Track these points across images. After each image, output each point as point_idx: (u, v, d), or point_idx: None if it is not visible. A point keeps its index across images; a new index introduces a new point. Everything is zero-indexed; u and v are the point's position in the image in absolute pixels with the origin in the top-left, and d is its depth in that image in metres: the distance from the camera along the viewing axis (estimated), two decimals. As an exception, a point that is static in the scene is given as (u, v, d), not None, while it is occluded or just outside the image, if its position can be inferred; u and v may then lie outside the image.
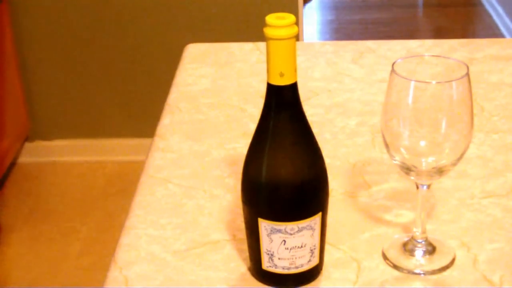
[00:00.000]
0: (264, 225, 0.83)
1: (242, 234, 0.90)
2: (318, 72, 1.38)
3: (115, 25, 2.68)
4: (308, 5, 4.44)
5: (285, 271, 0.85)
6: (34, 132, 2.86)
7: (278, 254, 0.84)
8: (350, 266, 0.89)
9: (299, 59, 1.37)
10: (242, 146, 1.14)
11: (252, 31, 2.59)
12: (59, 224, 2.53)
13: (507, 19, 3.96)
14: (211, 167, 1.10)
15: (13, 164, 2.83)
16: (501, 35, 3.94)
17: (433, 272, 0.88)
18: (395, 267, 0.89)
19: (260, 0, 2.62)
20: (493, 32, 4.01)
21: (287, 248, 0.83)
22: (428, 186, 0.88)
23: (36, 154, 2.87)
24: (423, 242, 0.90)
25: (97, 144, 2.86)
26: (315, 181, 0.83)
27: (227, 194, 1.03)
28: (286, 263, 0.84)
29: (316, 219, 0.83)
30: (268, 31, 0.78)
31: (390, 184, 1.04)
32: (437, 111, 0.82)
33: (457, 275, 0.88)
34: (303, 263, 0.85)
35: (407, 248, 0.91)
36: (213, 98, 1.30)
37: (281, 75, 0.79)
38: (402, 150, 0.84)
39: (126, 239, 0.95)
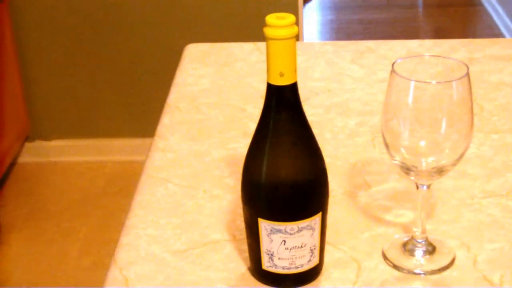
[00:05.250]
0: (264, 225, 0.83)
1: (242, 234, 0.90)
2: (318, 72, 1.38)
3: (115, 25, 2.68)
4: (308, 5, 4.44)
5: (285, 271, 0.85)
6: (34, 132, 2.86)
7: (278, 254, 0.84)
8: (350, 266, 0.89)
9: (299, 59, 1.37)
10: (242, 146, 1.14)
11: (252, 31, 2.59)
12: (59, 224, 2.53)
13: (507, 19, 3.96)
14: (211, 167, 1.10)
15: (13, 164, 2.83)
16: (501, 35, 3.94)
17: (433, 272, 0.88)
18: (395, 267, 0.89)
19: (260, 0, 2.62)
20: (493, 32, 4.01)
21: (287, 248, 0.83)
22: (428, 186, 0.88)
23: (36, 154, 2.87)
24: (423, 242, 0.90)
25: (97, 144, 2.86)
26: (315, 181, 0.83)
27: (227, 194, 1.03)
28: (286, 263, 0.84)
29: (316, 219, 0.83)
30: (268, 31, 0.78)
31: (390, 184, 1.04)
32: (437, 111, 0.82)
33: (457, 275, 0.88)
34: (303, 263, 0.85)
35: (407, 248, 0.91)
36: (213, 98, 1.30)
37: (281, 75, 0.79)
38: (402, 150, 0.84)
39: (126, 239, 0.95)
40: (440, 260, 0.89)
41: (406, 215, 0.98)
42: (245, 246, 0.90)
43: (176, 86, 1.35)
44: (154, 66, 2.72)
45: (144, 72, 2.75)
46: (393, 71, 0.83)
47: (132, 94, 2.79)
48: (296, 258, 0.84)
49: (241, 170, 0.85)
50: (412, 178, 0.87)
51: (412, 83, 0.81)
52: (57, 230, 2.50)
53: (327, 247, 0.89)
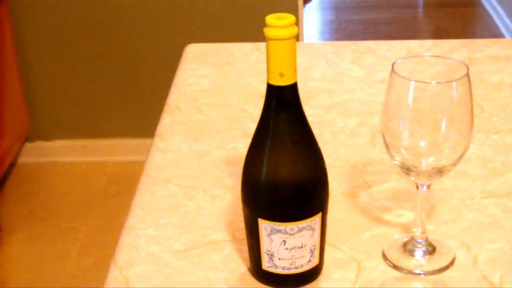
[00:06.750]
0: (264, 225, 0.83)
1: (242, 234, 0.90)
2: (318, 72, 1.38)
3: (115, 25, 2.68)
4: (308, 5, 4.44)
5: (285, 271, 0.85)
6: (34, 132, 2.86)
7: (278, 254, 0.84)
8: (350, 266, 0.89)
9: (299, 59, 1.37)
10: (242, 146, 1.14)
11: (252, 31, 2.59)
12: (59, 224, 2.53)
13: (507, 19, 3.96)
14: (211, 167, 1.10)
15: (13, 164, 2.83)
16: (501, 35, 3.94)
17: (433, 272, 0.88)
18: (395, 267, 0.89)
19: (260, 0, 2.62)
20: (493, 32, 4.01)
21: (287, 248, 0.83)
22: (428, 186, 0.88)
23: (36, 154, 2.87)
24: (423, 242, 0.90)
25: (97, 144, 2.86)
26: (315, 181, 0.83)
27: (227, 194, 1.03)
28: (286, 263, 0.84)
29: (316, 219, 0.83)
30: (268, 32, 0.78)
31: (390, 184, 1.04)
32: (437, 111, 0.82)
33: (457, 275, 0.88)
34: (303, 263, 0.85)
35: (407, 248, 0.91)
36: (213, 98, 1.30)
37: (281, 75, 0.79)
38: (402, 150, 0.84)
39: (126, 239, 0.95)
40: (440, 260, 0.89)
41: (406, 215, 0.98)
42: (245, 246, 0.90)
43: (176, 86, 1.35)
44: (154, 66, 2.72)
45: (144, 72, 2.75)
46: (393, 71, 0.83)
47: (132, 94, 2.79)
48: (296, 258, 0.84)
49: (241, 170, 0.85)
50: (412, 178, 0.87)
51: (412, 83, 0.81)
52: (57, 230, 2.50)
53: (327, 247, 0.89)
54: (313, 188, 0.83)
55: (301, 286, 0.86)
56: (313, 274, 0.87)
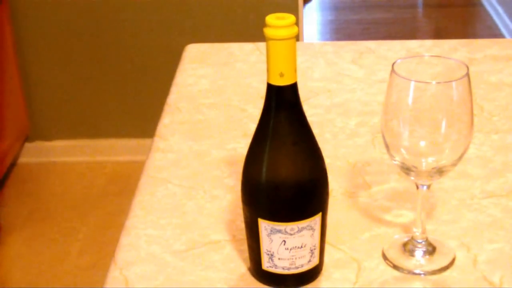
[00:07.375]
0: (264, 225, 0.83)
1: (242, 234, 0.90)
2: (318, 72, 1.38)
3: (115, 25, 2.68)
4: (308, 5, 4.44)
5: (285, 271, 0.85)
6: (34, 132, 2.86)
7: (278, 254, 0.84)
8: (350, 266, 0.89)
9: (299, 59, 1.37)
10: (242, 146, 1.14)
11: (252, 31, 2.59)
12: (59, 224, 2.53)
13: (507, 19, 3.96)
14: (211, 167, 1.10)
15: (13, 164, 2.83)
16: (501, 35, 3.94)
17: (433, 272, 0.88)
18: (395, 267, 0.89)
19: (260, 0, 2.62)
20: (493, 32, 4.01)
21: (287, 248, 0.83)
22: (428, 186, 0.88)
23: (36, 154, 2.87)
24: (423, 242, 0.90)
25: (97, 144, 2.86)
26: (315, 181, 0.83)
27: (227, 194, 1.03)
28: (286, 263, 0.84)
29: (316, 219, 0.83)
30: (268, 32, 0.78)
31: (390, 184, 1.04)
32: (437, 111, 0.82)
33: (457, 275, 0.88)
34: (303, 263, 0.85)
35: (407, 248, 0.91)
36: (213, 98, 1.30)
37: (281, 75, 0.79)
38: (402, 150, 0.84)
39: (126, 239, 0.95)
40: (440, 260, 0.89)
41: (406, 215, 0.98)
42: (245, 246, 0.90)
43: (176, 86, 1.35)
44: (154, 66, 2.72)
45: (144, 72, 2.75)
46: (393, 71, 0.83)
47: (132, 94, 2.79)
48: (296, 258, 0.84)
49: (241, 170, 0.85)
50: (412, 178, 0.87)
51: (412, 83, 0.81)
52: (57, 230, 2.50)
53: (327, 247, 0.89)
54: (313, 188, 0.83)
55: (301, 286, 0.86)
56: (313, 274, 0.87)
